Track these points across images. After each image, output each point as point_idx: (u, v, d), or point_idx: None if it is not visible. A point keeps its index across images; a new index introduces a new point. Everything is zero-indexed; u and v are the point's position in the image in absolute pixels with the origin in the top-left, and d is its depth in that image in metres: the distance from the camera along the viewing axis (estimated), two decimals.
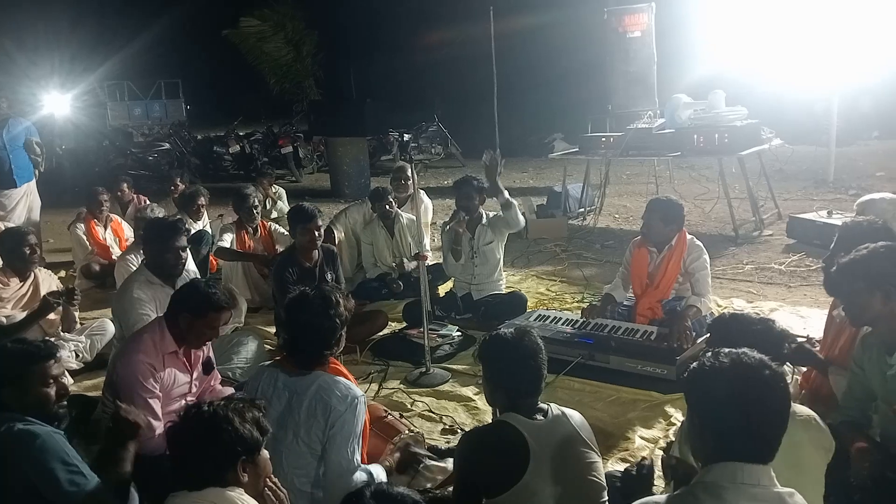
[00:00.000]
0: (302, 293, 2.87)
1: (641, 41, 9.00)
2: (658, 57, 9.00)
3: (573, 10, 15.49)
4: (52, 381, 2.54)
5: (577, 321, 4.62)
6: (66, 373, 4.45)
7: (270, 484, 2.11)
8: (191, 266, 5.05)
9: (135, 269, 4.70)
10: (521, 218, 5.34)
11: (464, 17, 17.45)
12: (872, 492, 2.43)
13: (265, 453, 2.08)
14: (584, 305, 5.20)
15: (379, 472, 2.86)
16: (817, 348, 3.47)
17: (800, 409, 2.32)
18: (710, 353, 1.82)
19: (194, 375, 3.31)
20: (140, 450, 2.60)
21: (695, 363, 1.84)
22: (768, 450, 1.72)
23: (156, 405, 3.07)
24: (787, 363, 3.01)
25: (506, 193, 5.15)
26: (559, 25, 17.09)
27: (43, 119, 15.83)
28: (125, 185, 8.03)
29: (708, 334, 4.36)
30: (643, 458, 2.28)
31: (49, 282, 5.00)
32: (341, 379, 2.77)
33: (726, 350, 1.79)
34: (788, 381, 3.41)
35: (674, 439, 2.87)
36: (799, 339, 3.52)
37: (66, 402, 2.65)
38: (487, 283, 5.44)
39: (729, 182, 8.01)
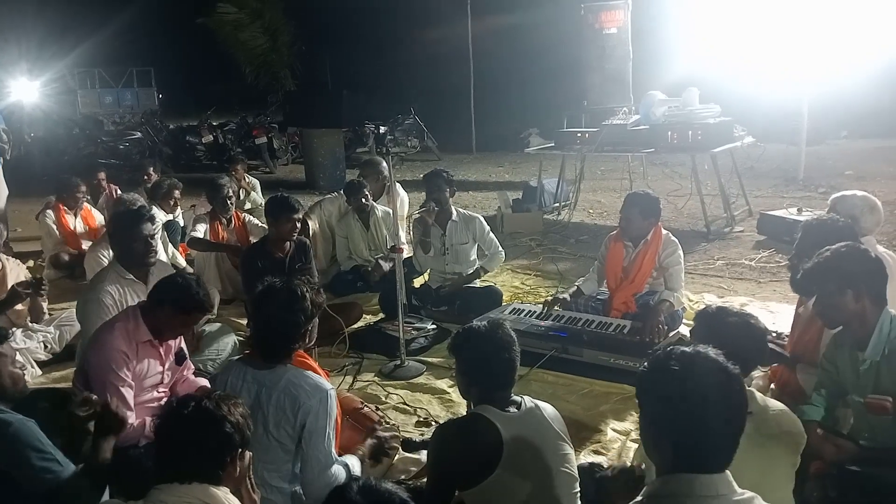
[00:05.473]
0: (269, 286, 2.81)
1: (617, 38, 9.03)
2: (634, 54, 9.03)
3: (550, 9, 15.53)
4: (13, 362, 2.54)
5: (551, 314, 4.64)
6: (34, 363, 4.43)
7: (249, 482, 2.09)
8: (163, 257, 4.97)
9: (106, 261, 4.62)
10: (497, 258, 5.54)
11: (443, 14, 17.44)
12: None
13: (248, 452, 2.07)
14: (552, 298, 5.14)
15: (354, 464, 2.86)
16: (786, 341, 3.54)
17: (773, 403, 2.36)
18: (659, 354, 1.71)
19: (167, 366, 3.27)
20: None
21: (645, 364, 1.72)
22: (725, 458, 1.64)
23: (128, 394, 3.02)
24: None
25: (476, 272, 5.45)
26: (536, 24, 17.13)
27: (10, 106, 15.56)
28: (102, 173, 7.97)
29: (678, 328, 4.49)
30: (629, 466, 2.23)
31: (17, 271, 4.91)
32: (310, 373, 2.73)
33: (680, 350, 1.69)
34: (758, 376, 3.49)
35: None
36: (770, 336, 3.57)
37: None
38: (461, 278, 5.44)
39: (701, 179, 8.10)
